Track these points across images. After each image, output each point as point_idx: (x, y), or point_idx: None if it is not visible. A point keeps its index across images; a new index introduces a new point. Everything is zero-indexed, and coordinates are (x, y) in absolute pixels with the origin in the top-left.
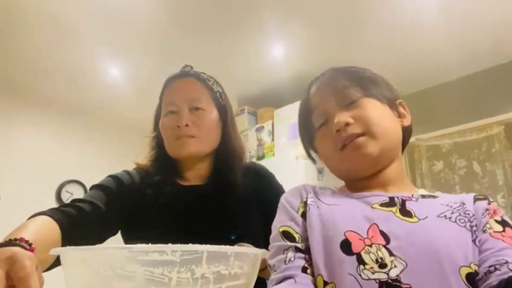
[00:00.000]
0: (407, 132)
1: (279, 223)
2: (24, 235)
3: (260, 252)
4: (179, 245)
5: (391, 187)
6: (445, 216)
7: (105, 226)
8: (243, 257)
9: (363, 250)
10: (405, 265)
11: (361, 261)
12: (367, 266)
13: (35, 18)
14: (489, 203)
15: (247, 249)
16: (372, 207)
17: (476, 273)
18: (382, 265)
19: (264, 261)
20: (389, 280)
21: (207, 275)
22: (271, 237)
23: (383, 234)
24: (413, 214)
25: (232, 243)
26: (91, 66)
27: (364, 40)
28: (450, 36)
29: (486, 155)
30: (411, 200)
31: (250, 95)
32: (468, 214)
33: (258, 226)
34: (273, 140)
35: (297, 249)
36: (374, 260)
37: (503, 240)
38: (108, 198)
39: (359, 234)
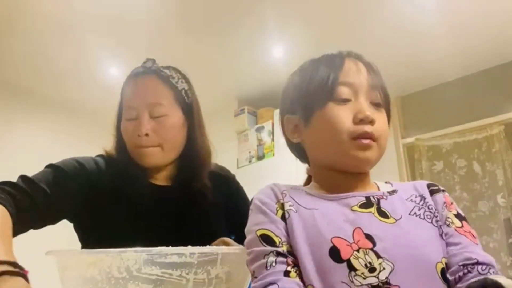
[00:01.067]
0: None
1: (256, 226)
2: (10, 255)
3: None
4: (197, 247)
5: (364, 187)
6: (415, 214)
7: (48, 210)
8: (242, 257)
9: (352, 256)
10: (392, 266)
11: (351, 268)
12: (358, 272)
13: (35, 18)
14: (444, 195)
15: (242, 249)
16: (352, 210)
17: (447, 266)
18: (372, 269)
19: None
20: (380, 283)
21: (220, 275)
22: (247, 241)
23: (368, 237)
24: (389, 214)
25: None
26: (91, 66)
27: (364, 40)
28: (450, 36)
29: (486, 155)
30: (383, 198)
31: (250, 95)
32: (431, 209)
33: (225, 230)
34: (273, 140)
35: (278, 253)
36: (364, 265)
37: (466, 236)
38: (59, 180)
39: (345, 240)
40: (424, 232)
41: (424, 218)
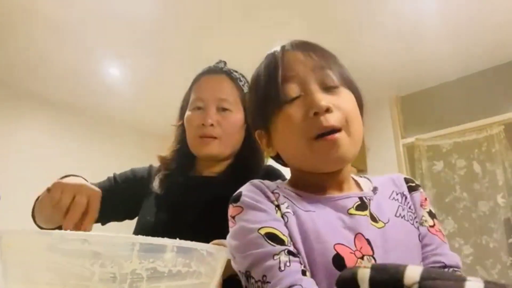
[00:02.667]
0: None
1: (256, 224)
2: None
3: (220, 252)
4: (104, 234)
5: (345, 183)
6: (400, 215)
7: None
8: (190, 254)
9: (357, 264)
10: None
11: None
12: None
13: (35, 18)
14: (420, 192)
15: (196, 244)
16: (349, 213)
17: None
18: None
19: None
20: None
21: (138, 271)
22: (245, 242)
23: (368, 242)
24: (377, 218)
25: None
26: (91, 66)
27: (364, 41)
28: (450, 36)
29: (486, 155)
30: (372, 198)
31: None
32: (412, 209)
33: None
34: None
35: (290, 252)
36: None
37: (437, 236)
38: (110, 184)
39: (348, 247)
40: (409, 237)
41: (408, 220)
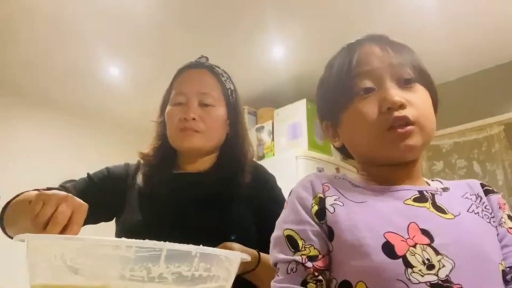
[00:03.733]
0: None
1: (284, 224)
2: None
3: (235, 256)
4: (135, 240)
5: (414, 180)
6: (474, 211)
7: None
8: (211, 259)
9: (408, 252)
10: (453, 264)
11: (408, 264)
12: (415, 269)
13: (35, 18)
14: (498, 196)
15: (217, 250)
16: (405, 203)
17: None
18: (430, 266)
19: (243, 265)
20: (440, 282)
21: (165, 275)
22: (274, 235)
23: (424, 232)
24: (446, 210)
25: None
26: (91, 66)
27: None
28: (450, 36)
29: (486, 155)
30: (437, 193)
31: (250, 95)
32: (488, 208)
33: (252, 229)
34: (273, 140)
35: (297, 263)
36: (421, 262)
37: None
38: (87, 186)
39: (400, 235)
40: (485, 232)
41: (483, 217)
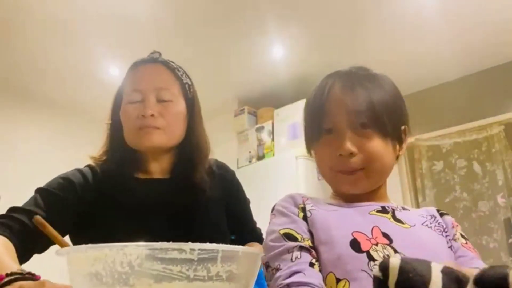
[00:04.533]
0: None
1: (278, 227)
2: (17, 267)
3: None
4: (198, 243)
5: (379, 200)
6: (427, 225)
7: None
8: (249, 257)
9: (371, 248)
10: None
11: (371, 258)
12: (377, 262)
13: (35, 18)
14: (451, 218)
15: (256, 250)
16: (369, 213)
17: None
18: None
19: None
20: None
21: (221, 274)
22: (270, 240)
23: (385, 235)
24: (404, 221)
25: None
26: (91, 66)
27: (364, 40)
28: (450, 36)
29: (486, 155)
30: (397, 210)
31: (250, 95)
32: (441, 225)
33: (225, 227)
34: (273, 140)
35: (302, 248)
36: (382, 257)
37: (470, 251)
38: (51, 203)
39: (365, 235)
40: (435, 240)
41: (434, 230)
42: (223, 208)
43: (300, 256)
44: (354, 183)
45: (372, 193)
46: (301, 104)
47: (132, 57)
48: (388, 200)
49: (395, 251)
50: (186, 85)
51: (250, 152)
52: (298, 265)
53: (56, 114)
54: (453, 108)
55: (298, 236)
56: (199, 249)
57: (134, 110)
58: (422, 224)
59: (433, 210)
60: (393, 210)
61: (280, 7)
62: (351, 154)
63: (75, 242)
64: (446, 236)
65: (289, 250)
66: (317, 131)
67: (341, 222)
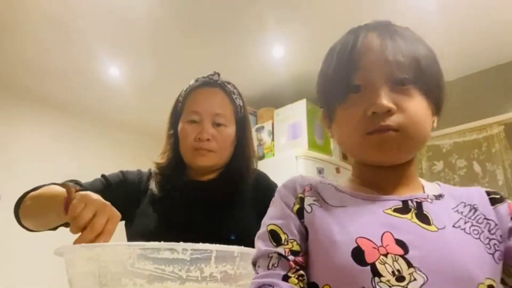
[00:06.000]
0: None
1: (268, 220)
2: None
3: None
4: (189, 244)
5: (403, 185)
6: (460, 227)
7: None
8: (247, 258)
9: (378, 260)
10: (425, 278)
11: (376, 273)
12: (383, 279)
13: (35, 18)
14: (508, 204)
15: (250, 250)
16: (384, 212)
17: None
18: (400, 278)
19: None
20: None
21: (215, 274)
22: (258, 233)
23: (399, 242)
24: (431, 221)
25: (231, 243)
26: (91, 66)
27: None
28: (450, 36)
29: (486, 155)
30: (427, 201)
31: (250, 95)
32: (480, 223)
33: (254, 229)
34: (273, 140)
35: (280, 255)
36: (391, 272)
37: None
38: (105, 188)
39: (372, 242)
40: (468, 250)
41: (469, 233)
42: (256, 216)
43: (277, 265)
44: (383, 145)
45: (399, 173)
46: (301, 104)
47: (132, 57)
48: (417, 185)
49: (409, 265)
50: (239, 107)
51: None
52: (270, 276)
53: (56, 114)
54: (453, 108)
55: (283, 236)
56: (191, 249)
57: (192, 130)
58: (455, 225)
59: (480, 195)
60: (419, 204)
61: (280, 7)
62: (388, 112)
63: (128, 232)
64: (490, 240)
65: (269, 254)
66: (343, 88)
67: (345, 223)
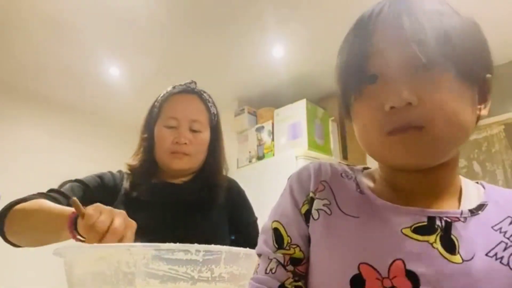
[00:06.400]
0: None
1: (274, 214)
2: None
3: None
4: (202, 245)
5: (436, 194)
6: (496, 255)
7: None
8: (249, 259)
9: None
10: None
11: None
12: None
13: (35, 17)
14: None
15: (253, 251)
16: (402, 232)
17: None
18: None
19: None
20: None
21: (223, 275)
22: (264, 224)
23: (410, 275)
24: (457, 248)
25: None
26: (91, 66)
27: None
28: None
29: (486, 155)
30: (459, 221)
31: (250, 95)
32: None
33: (226, 235)
34: (273, 140)
35: (279, 263)
36: None
37: None
38: (84, 193)
39: (376, 271)
40: (501, 287)
41: (507, 264)
42: (226, 217)
43: (275, 271)
44: (406, 147)
45: (432, 180)
46: (301, 104)
47: (132, 57)
48: (453, 195)
49: None
50: (213, 115)
51: (250, 152)
52: (267, 282)
53: (56, 114)
54: None
55: (286, 240)
56: (204, 251)
57: (170, 134)
58: (488, 253)
59: None
60: (449, 225)
61: (280, 7)
62: (409, 105)
63: None
64: None
65: (269, 257)
66: (357, 79)
67: (351, 242)
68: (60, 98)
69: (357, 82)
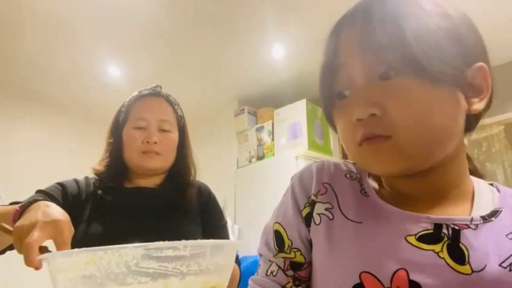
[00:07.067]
0: (474, 116)
1: (277, 214)
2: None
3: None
4: (190, 241)
5: (442, 199)
6: (510, 266)
7: None
8: (232, 248)
9: None
10: None
11: None
12: None
13: (35, 17)
14: None
15: (238, 243)
16: (406, 240)
17: None
18: None
19: None
20: None
21: (209, 267)
22: (266, 224)
23: (414, 286)
24: (466, 258)
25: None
26: (91, 65)
27: None
28: None
29: (486, 155)
30: (469, 228)
31: (250, 95)
32: None
33: (199, 234)
34: (273, 140)
35: (279, 267)
36: None
37: None
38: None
39: (379, 281)
40: None
41: None
42: (198, 219)
43: (275, 274)
44: (376, 156)
45: (431, 183)
46: (301, 104)
47: (132, 57)
48: (463, 198)
49: None
50: (179, 117)
51: (250, 152)
52: (267, 285)
53: (56, 114)
54: None
55: (286, 243)
56: (191, 246)
57: (140, 135)
58: (501, 263)
59: None
60: (457, 232)
61: (280, 7)
62: (373, 116)
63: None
64: None
65: (269, 259)
66: (329, 96)
67: (353, 249)
68: (60, 97)
69: (329, 99)
